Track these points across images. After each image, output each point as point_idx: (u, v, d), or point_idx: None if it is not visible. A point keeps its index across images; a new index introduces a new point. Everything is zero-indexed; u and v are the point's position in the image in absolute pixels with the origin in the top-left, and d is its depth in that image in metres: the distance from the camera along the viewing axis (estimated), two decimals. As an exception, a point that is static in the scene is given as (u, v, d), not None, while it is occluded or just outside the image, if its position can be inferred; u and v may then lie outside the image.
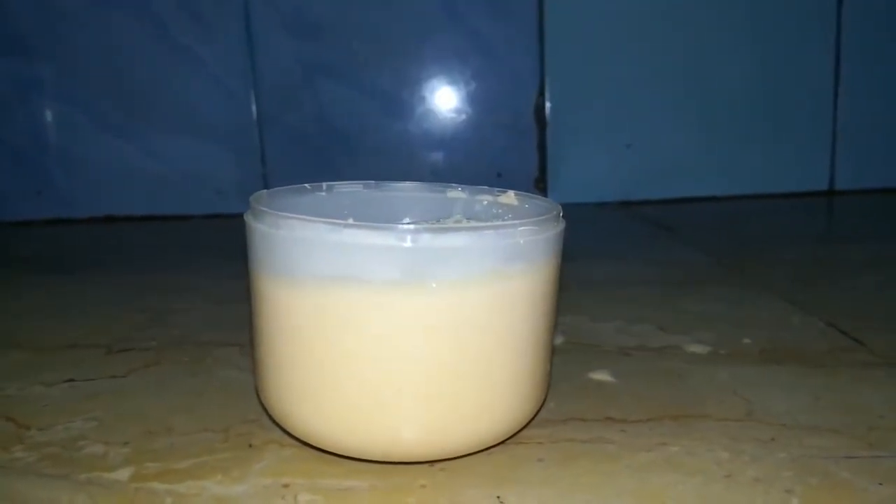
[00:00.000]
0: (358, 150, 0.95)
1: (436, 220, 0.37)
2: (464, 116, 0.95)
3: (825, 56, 0.96)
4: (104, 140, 0.93)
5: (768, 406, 0.35)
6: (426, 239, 0.27)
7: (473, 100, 0.95)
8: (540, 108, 0.94)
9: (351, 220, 0.36)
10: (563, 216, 0.32)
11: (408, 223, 0.37)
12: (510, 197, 0.36)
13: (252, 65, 0.92)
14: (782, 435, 0.32)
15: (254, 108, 0.93)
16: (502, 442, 0.31)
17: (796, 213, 0.90)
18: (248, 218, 0.31)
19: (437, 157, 0.96)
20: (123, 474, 0.30)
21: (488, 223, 0.28)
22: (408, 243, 0.27)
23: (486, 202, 0.37)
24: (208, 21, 0.91)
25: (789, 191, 0.98)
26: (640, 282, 0.60)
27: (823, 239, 0.80)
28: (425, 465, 0.30)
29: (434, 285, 0.27)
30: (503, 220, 0.36)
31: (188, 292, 0.59)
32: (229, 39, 0.92)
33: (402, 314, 0.27)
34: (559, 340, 0.45)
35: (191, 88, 0.93)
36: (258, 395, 0.33)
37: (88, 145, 0.93)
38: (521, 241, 0.28)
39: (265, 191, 0.33)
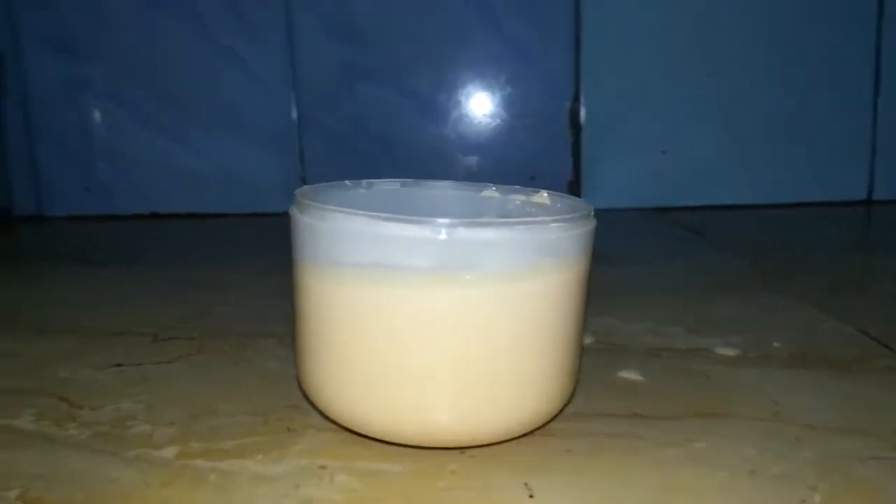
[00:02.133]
0: (394, 152, 0.96)
1: (469, 216, 0.39)
2: (499, 121, 0.96)
3: (864, 65, 0.95)
4: (150, 139, 0.96)
5: (795, 407, 0.36)
6: (461, 232, 0.28)
7: (509, 104, 0.96)
8: (574, 114, 0.95)
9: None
10: (594, 215, 0.32)
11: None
12: (543, 197, 0.37)
13: (293, 67, 0.94)
14: (808, 435, 0.33)
15: (294, 109, 0.95)
16: (531, 432, 0.32)
17: (833, 222, 0.89)
18: (293, 211, 0.32)
19: (472, 160, 0.97)
20: (170, 452, 0.31)
21: (521, 219, 0.29)
22: (443, 236, 0.28)
23: (519, 201, 0.38)
24: (251, 23, 0.94)
25: (827, 200, 0.97)
26: (672, 286, 0.60)
27: (859, 248, 0.79)
28: (456, 452, 0.31)
29: (468, 277, 0.28)
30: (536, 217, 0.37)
31: (229, 287, 0.61)
32: (272, 42, 0.94)
33: (437, 304, 0.28)
34: (589, 340, 0.45)
35: (233, 89, 0.95)
36: (298, 381, 0.34)
37: (135, 144, 0.96)
38: (553, 237, 0.29)
39: (308, 186, 0.35)
